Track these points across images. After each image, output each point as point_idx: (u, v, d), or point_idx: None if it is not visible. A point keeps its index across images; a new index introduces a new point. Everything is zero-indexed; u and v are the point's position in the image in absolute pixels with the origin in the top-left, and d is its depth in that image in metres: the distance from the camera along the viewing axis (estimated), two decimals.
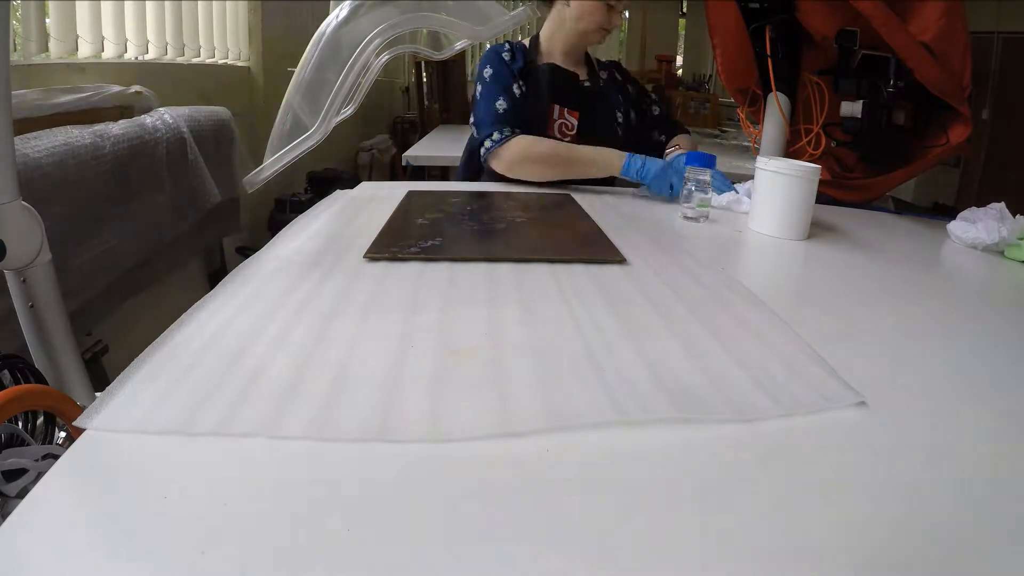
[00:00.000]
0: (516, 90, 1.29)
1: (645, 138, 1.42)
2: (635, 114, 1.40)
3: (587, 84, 1.35)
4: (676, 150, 1.31)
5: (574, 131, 1.31)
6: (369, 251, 0.77)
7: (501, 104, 1.26)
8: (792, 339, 0.58)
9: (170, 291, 1.63)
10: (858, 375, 0.51)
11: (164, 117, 1.51)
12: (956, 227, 1.03)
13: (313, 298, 0.63)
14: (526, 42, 1.39)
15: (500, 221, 0.95)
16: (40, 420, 0.60)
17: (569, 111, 1.31)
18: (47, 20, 1.47)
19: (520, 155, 1.23)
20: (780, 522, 0.35)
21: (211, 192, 1.67)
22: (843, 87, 1.22)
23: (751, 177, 1.06)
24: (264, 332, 0.54)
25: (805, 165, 0.96)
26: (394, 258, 0.75)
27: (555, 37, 1.35)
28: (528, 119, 1.29)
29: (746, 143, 2.26)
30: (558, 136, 1.31)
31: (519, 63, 1.32)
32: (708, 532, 0.34)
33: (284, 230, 0.88)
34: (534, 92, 1.31)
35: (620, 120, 1.37)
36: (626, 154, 1.21)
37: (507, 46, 1.35)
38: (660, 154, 1.31)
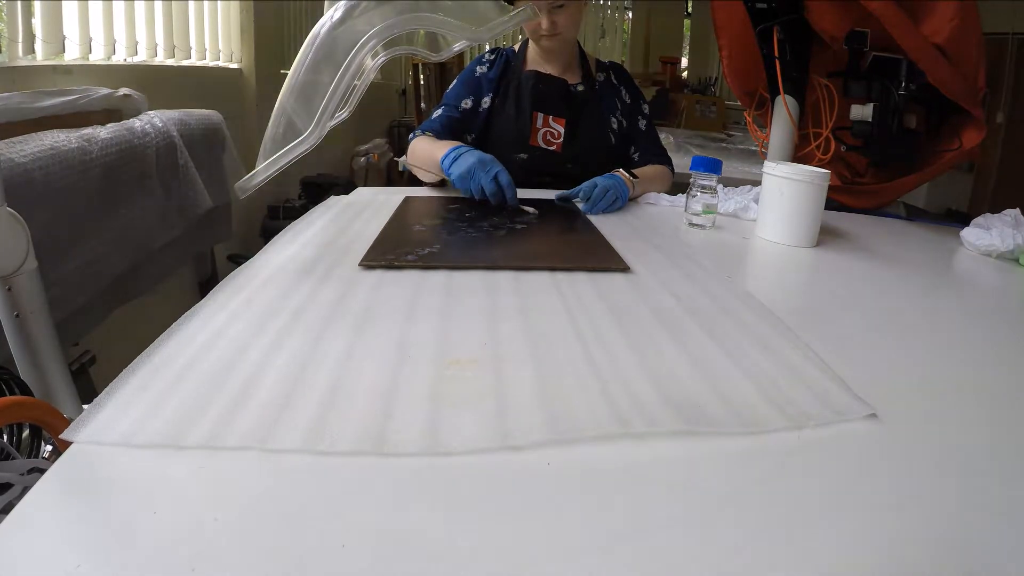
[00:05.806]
0: (487, 102, 1.28)
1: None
2: (626, 123, 1.35)
3: (580, 88, 1.31)
4: (623, 175, 1.15)
5: (560, 139, 1.28)
6: (365, 259, 0.76)
7: (438, 112, 1.29)
8: (801, 349, 0.57)
9: (160, 300, 1.62)
10: (868, 386, 0.51)
11: (154, 121, 1.49)
12: (969, 234, 1.02)
13: (307, 307, 0.62)
14: (516, 47, 1.36)
15: (500, 228, 0.93)
16: (26, 433, 0.59)
17: (555, 118, 1.28)
18: (33, 21, 1.45)
19: (410, 156, 1.23)
20: (789, 537, 0.34)
21: (202, 198, 1.65)
22: (853, 90, 1.21)
23: (758, 182, 1.04)
24: (257, 342, 0.54)
25: (814, 170, 0.94)
26: (390, 266, 0.74)
27: (532, 42, 1.32)
28: (506, 129, 1.27)
29: (753, 147, 2.25)
30: (543, 145, 1.28)
31: (495, 73, 1.30)
32: (715, 547, 0.33)
33: (277, 237, 0.88)
34: (515, 101, 1.28)
35: (614, 126, 1.33)
36: (451, 145, 1.08)
37: (487, 55, 1.33)
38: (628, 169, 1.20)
